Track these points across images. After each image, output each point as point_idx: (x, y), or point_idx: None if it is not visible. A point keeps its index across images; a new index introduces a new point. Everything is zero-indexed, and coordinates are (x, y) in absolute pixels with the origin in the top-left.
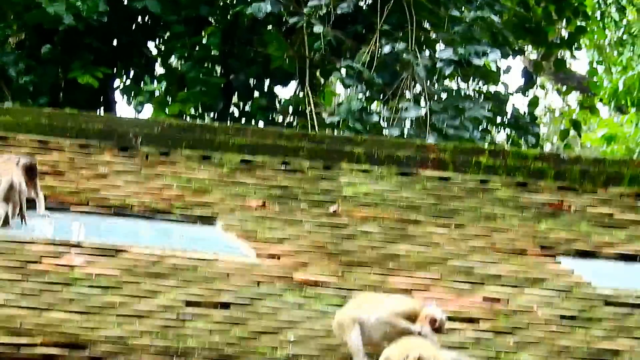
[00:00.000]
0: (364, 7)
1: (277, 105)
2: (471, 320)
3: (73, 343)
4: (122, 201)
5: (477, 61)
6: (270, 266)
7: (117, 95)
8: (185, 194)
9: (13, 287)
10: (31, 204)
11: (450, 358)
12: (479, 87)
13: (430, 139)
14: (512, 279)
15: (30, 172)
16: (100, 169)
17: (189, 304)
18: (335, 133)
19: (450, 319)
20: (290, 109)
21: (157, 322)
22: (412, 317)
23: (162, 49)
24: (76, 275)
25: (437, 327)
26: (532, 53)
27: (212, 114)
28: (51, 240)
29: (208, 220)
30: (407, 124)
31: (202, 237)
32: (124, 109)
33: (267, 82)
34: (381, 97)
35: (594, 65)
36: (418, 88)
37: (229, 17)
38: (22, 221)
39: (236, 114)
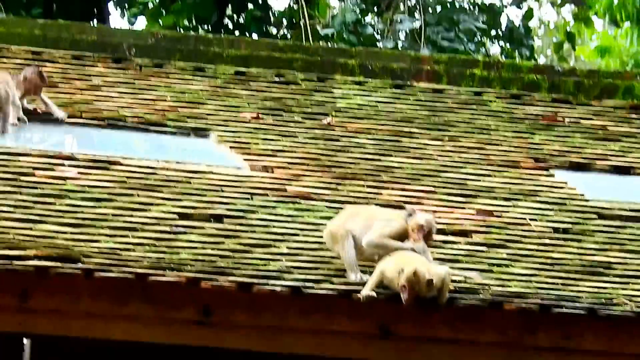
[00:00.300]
0: None
1: (271, 17)
2: (464, 233)
3: (66, 256)
4: (115, 113)
5: None
6: (263, 178)
7: (111, 7)
8: (179, 106)
9: (6, 199)
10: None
11: (444, 272)
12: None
13: (425, 51)
14: (506, 191)
15: (41, 80)
16: (93, 81)
17: (182, 216)
18: (330, 45)
19: (443, 232)
20: (285, 21)
21: (150, 234)
22: (402, 234)
23: None
24: (69, 187)
25: (426, 234)
26: None
27: (205, 26)
28: (44, 152)
29: (201, 132)
30: (402, 36)
31: (196, 149)
32: (117, 21)
33: None
34: (375, 9)
35: None
36: (412, 0)
37: None
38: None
39: (230, 25)
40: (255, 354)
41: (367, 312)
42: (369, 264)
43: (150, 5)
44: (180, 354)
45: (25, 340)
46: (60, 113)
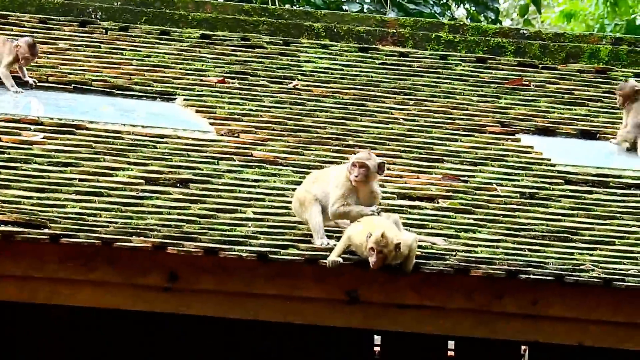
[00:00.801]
0: None
1: None
2: (430, 198)
3: (32, 221)
4: (81, 77)
5: None
6: (229, 142)
7: None
8: (145, 69)
9: None
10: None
11: (412, 239)
12: None
13: (390, 14)
14: (472, 155)
15: (31, 52)
16: (59, 45)
17: (148, 181)
18: (295, 8)
19: (409, 196)
20: None
21: (116, 199)
22: (350, 184)
23: None
24: (35, 152)
25: (364, 170)
26: None
27: None
28: (10, 116)
29: (167, 96)
30: None
31: (162, 114)
32: None
33: None
34: None
35: None
36: None
37: None
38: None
39: None
40: (222, 320)
41: (334, 278)
42: (336, 229)
43: None
44: (146, 319)
45: None
46: (29, 79)
